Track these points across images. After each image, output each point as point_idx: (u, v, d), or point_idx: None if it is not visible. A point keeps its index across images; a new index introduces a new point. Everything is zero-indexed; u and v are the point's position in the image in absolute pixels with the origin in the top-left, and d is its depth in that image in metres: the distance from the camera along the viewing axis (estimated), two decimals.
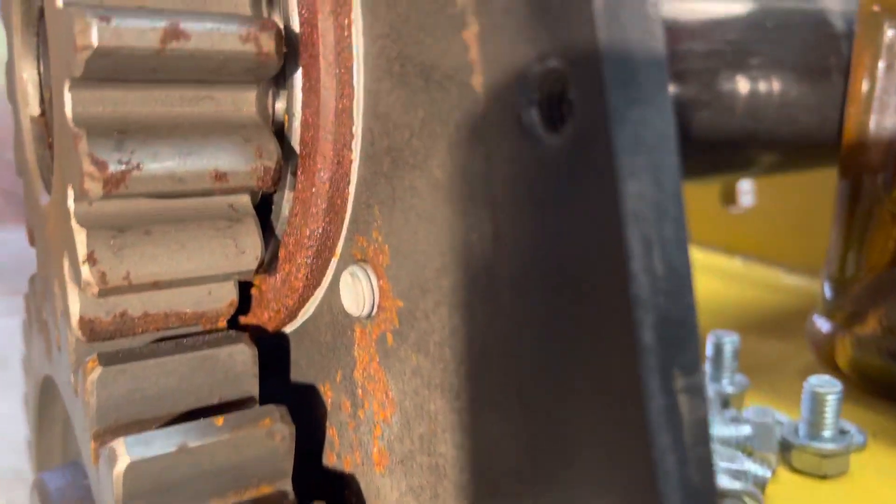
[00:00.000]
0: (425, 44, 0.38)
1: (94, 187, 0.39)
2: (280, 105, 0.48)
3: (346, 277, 0.45)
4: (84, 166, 0.39)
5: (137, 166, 0.40)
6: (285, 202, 0.48)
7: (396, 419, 0.44)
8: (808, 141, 0.88)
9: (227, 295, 0.51)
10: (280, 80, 0.47)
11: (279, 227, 0.50)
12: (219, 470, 0.45)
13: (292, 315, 0.52)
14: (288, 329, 0.54)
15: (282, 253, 0.49)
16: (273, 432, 0.46)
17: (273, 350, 0.55)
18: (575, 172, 0.31)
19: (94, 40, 0.37)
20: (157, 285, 0.45)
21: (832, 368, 0.84)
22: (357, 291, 0.44)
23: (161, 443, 0.43)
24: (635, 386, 0.29)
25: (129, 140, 0.40)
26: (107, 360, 0.46)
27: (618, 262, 0.29)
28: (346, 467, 0.49)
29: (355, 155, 0.44)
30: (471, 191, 0.36)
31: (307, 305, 0.51)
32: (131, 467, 0.42)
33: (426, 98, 0.38)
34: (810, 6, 0.89)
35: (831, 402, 0.67)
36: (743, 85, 0.82)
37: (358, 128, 0.44)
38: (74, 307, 0.47)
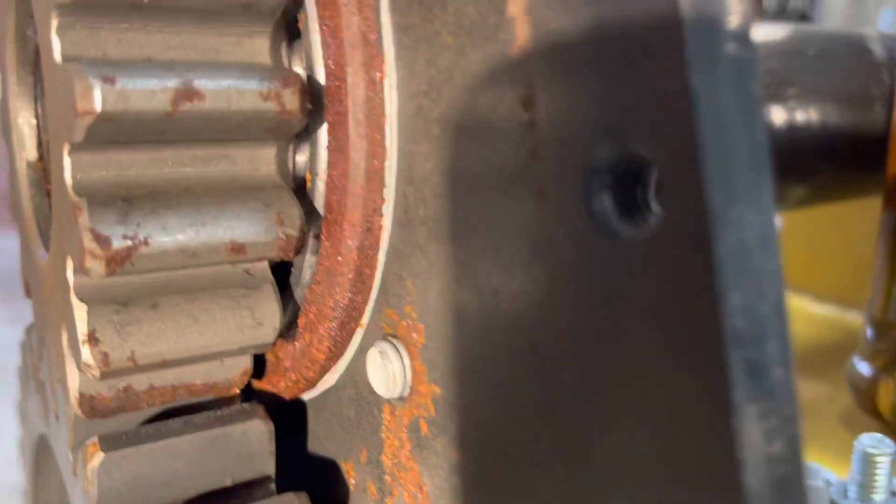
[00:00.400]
0: (472, 107, 0.33)
1: (95, 266, 0.34)
2: (301, 158, 0.44)
3: (374, 354, 0.41)
4: (85, 243, 0.34)
5: (145, 241, 0.35)
6: (307, 266, 0.44)
7: None
8: (847, 174, 0.84)
9: (241, 364, 0.47)
10: (302, 134, 0.43)
11: (299, 292, 0.45)
12: None
13: (311, 385, 0.47)
14: (306, 397, 0.49)
15: (301, 320, 0.44)
16: None
17: (288, 413, 0.51)
18: (658, 273, 0.26)
19: (98, 105, 0.32)
20: (164, 364, 0.40)
21: (873, 414, 0.80)
22: (387, 371, 0.40)
23: None
24: None
25: (135, 210, 0.36)
26: (109, 444, 0.41)
27: (716, 390, 0.25)
28: None
29: (386, 221, 0.40)
30: (530, 274, 0.32)
31: (328, 375, 0.46)
32: None
33: (471, 167, 0.34)
34: (851, 32, 0.84)
35: (884, 463, 0.62)
36: (781, 115, 0.78)
37: (390, 192, 0.39)
38: (73, 382, 0.42)
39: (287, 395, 0.49)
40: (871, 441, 0.64)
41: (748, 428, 0.25)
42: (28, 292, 0.56)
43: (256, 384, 0.50)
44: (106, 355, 0.38)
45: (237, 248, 0.37)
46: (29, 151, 0.54)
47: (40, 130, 0.54)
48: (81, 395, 0.42)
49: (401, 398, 0.40)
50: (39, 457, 0.69)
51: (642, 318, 0.27)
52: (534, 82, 0.30)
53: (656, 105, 0.25)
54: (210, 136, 0.37)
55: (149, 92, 0.33)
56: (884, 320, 0.80)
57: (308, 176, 0.42)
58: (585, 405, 0.30)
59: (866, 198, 0.86)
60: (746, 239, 0.25)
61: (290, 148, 0.43)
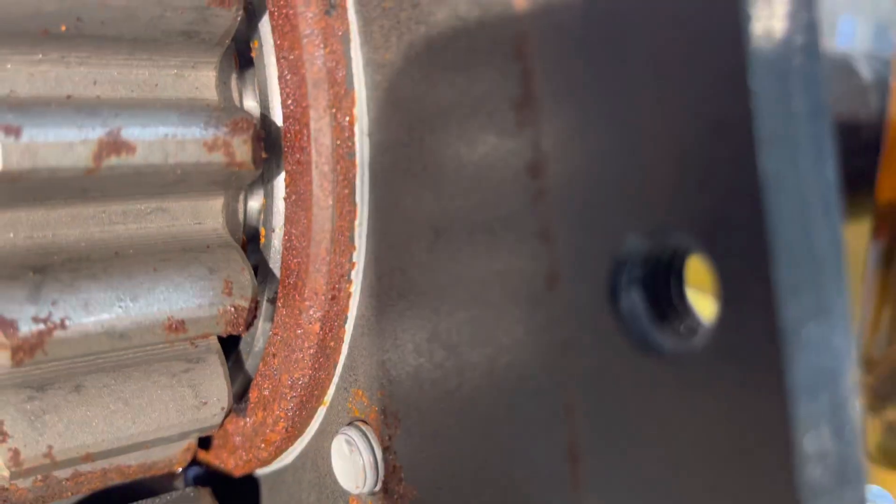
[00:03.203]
0: (465, 161, 0.28)
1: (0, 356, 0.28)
2: (254, 205, 0.37)
3: (339, 443, 0.35)
4: None
5: (61, 323, 0.29)
6: (259, 334, 0.38)
7: None
8: None
9: (182, 443, 0.40)
10: (256, 178, 0.37)
11: (249, 362, 0.39)
12: None
13: (266, 464, 0.41)
14: (259, 472, 0.43)
15: (254, 394, 0.38)
16: None
17: (237, 488, 0.45)
18: (705, 401, 0.21)
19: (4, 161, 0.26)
20: (89, 458, 0.34)
21: None
22: (356, 464, 0.34)
23: None
24: None
25: (49, 283, 0.29)
26: None
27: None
28: None
29: (355, 287, 0.34)
30: (532, 384, 0.26)
31: (285, 454, 0.40)
32: None
33: (464, 248, 0.28)
34: (834, 52, 0.81)
35: None
36: None
37: (360, 255, 0.33)
38: None
39: (237, 473, 0.42)
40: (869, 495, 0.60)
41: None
42: None
43: (203, 456, 0.44)
44: (16, 452, 0.31)
45: (176, 326, 0.31)
46: None
47: None
48: None
49: (371, 493, 0.35)
50: None
51: (678, 454, 0.22)
52: (543, 143, 0.25)
53: (714, 189, 0.20)
54: (143, 191, 0.31)
55: (65, 145, 0.27)
56: (869, 356, 0.76)
57: (262, 231, 0.36)
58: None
59: (851, 225, 0.83)
60: (826, 364, 0.20)
61: (241, 198, 0.37)
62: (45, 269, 0.30)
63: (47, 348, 0.28)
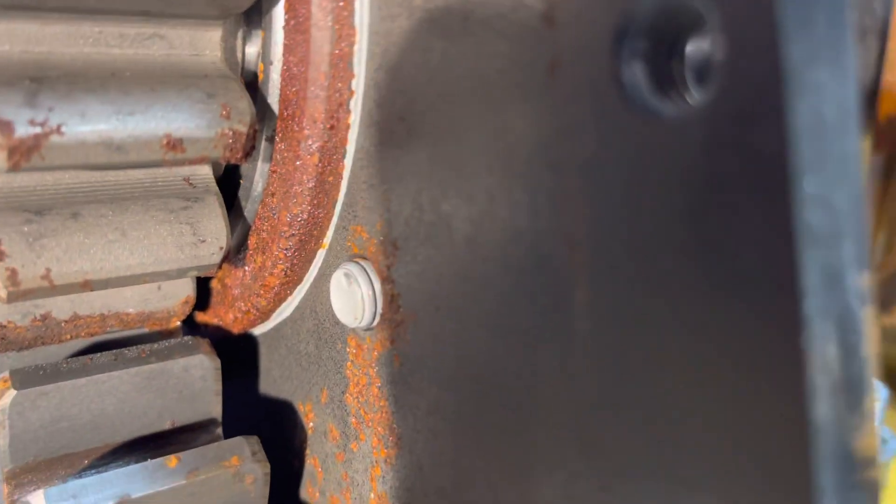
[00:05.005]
0: None
1: None
2: (252, 49, 0.37)
3: (338, 278, 0.35)
4: None
5: (57, 129, 0.29)
6: (258, 176, 0.38)
7: (403, 462, 0.34)
8: None
9: (182, 291, 0.41)
10: (253, 17, 0.36)
11: (249, 207, 0.39)
12: None
13: (264, 316, 0.41)
14: (257, 331, 0.43)
15: (252, 240, 0.38)
16: (242, 474, 0.36)
17: (236, 350, 0.45)
18: (710, 157, 0.21)
19: None
20: (87, 285, 0.34)
21: None
22: (354, 297, 0.34)
23: (95, 496, 0.33)
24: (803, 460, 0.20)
25: (46, 91, 0.29)
26: (23, 380, 0.35)
27: (786, 301, 0.19)
28: None
29: (354, 118, 0.33)
30: (534, 175, 0.26)
31: (284, 305, 0.40)
32: None
33: (467, 43, 0.28)
34: None
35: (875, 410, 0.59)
36: None
37: (359, 83, 0.33)
38: None
39: (235, 329, 0.43)
40: None
41: (819, 347, 0.20)
42: None
43: (200, 317, 0.44)
44: (14, 272, 0.31)
45: (173, 144, 0.31)
46: None
47: None
48: None
49: (369, 328, 0.35)
50: None
51: (682, 217, 0.22)
52: None
53: None
54: (139, 5, 0.31)
55: None
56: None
57: (261, 67, 0.36)
58: (604, 330, 0.24)
59: None
60: (825, 110, 0.20)
61: (240, 34, 0.36)
62: (41, 79, 0.29)
63: (44, 153, 0.28)
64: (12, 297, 0.32)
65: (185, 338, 0.40)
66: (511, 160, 0.27)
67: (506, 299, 0.28)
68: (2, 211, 0.32)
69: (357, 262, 0.34)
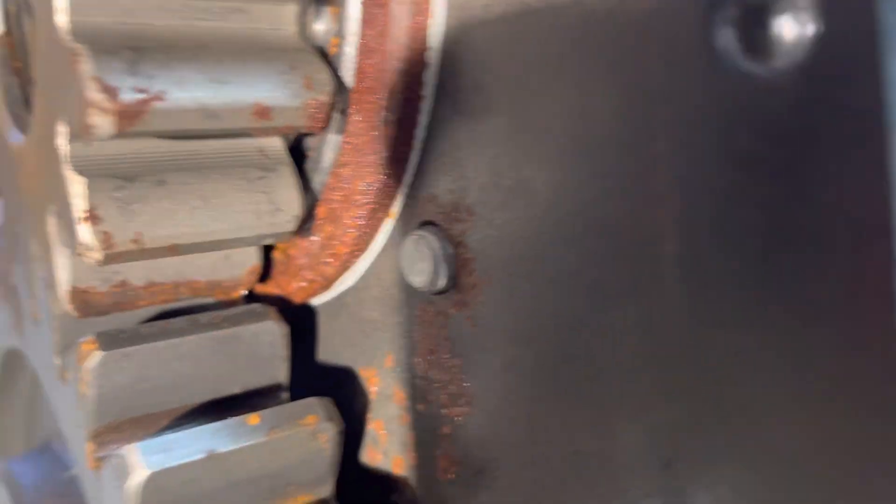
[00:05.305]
0: None
1: (103, 122, 0.29)
2: (320, 26, 0.38)
3: (410, 244, 0.36)
4: (88, 94, 0.29)
5: (159, 96, 0.30)
6: (328, 148, 0.39)
7: (476, 420, 0.36)
8: None
9: (248, 260, 0.42)
10: None
11: (317, 179, 0.40)
12: (251, 479, 0.36)
13: (327, 285, 0.43)
14: (317, 301, 0.45)
15: (321, 210, 0.40)
16: (318, 432, 0.37)
17: (293, 319, 0.46)
18: (800, 117, 0.23)
19: None
20: (174, 250, 0.35)
21: None
22: (426, 262, 0.36)
23: (184, 449, 0.34)
24: None
25: (145, 60, 0.30)
26: (108, 342, 0.37)
27: (878, 250, 0.21)
28: (397, 469, 0.41)
29: (428, 90, 0.35)
30: (620, 138, 0.27)
31: (347, 274, 0.42)
32: (151, 480, 0.33)
33: (548, 13, 0.29)
34: None
35: None
36: None
37: (435, 55, 0.34)
38: (64, 274, 0.37)
39: (297, 299, 0.44)
40: None
41: None
42: None
43: (260, 288, 0.45)
44: (107, 235, 0.33)
45: (262, 112, 0.32)
46: None
47: (6, 1, 0.47)
48: (73, 289, 0.37)
49: (441, 292, 0.36)
50: (5, 378, 0.63)
51: (773, 173, 0.23)
52: None
53: None
54: None
55: None
56: None
57: (334, 41, 0.37)
58: (692, 281, 0.26)
59: None
60: None
61: (311, 10, 0.38)
62: (139, 49, 0.31)
63: (147, 118, 0.30)
64: (107, 260, 0.33)
65: (254, 304, 0.42)
66: (595, 126, 0.28)
67: (589, 258, 0.29)
68: (94, 178, 0.33)
69: (430, 229, 0.36)
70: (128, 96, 0.29)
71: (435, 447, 0.38)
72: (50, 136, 0.34)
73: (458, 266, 0.35)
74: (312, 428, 0.37)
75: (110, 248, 0.33)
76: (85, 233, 0.32)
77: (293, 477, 0.37)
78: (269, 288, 0.45)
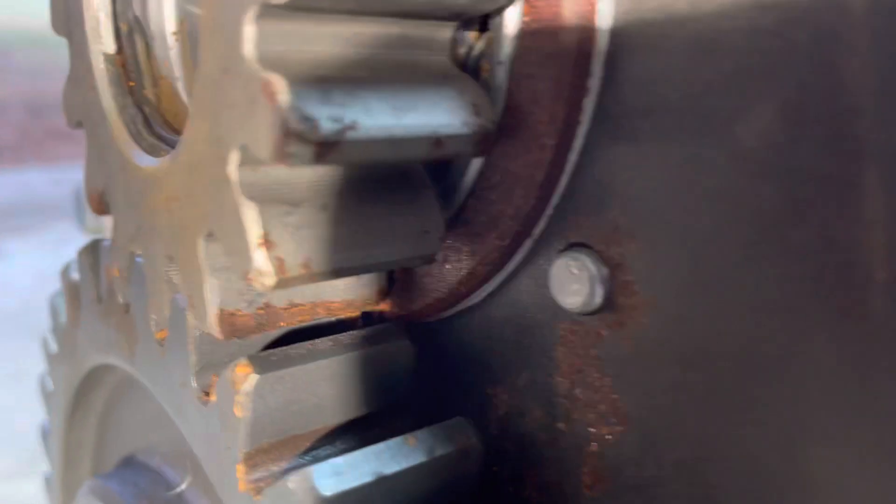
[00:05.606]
0: None
1: (303, 153, 0.29)
2: (462, 50, 0.39)
3: (562, 265, 0.37)
4: (289, 125, 0.29)
5: (353, 125, 0.30)
6: (470, 168, 0.39)
7: (631, 438, 0.36)
8: None
9: (379, 279, 0.42)
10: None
11: (455, 199, 0.41)
12: (412, 499, 0.36)
13: (455, 304, 0.43)
14: (441, 315, 0.45)
15: (460, 231, 0.40)
16: (468, 451, 0.38)
17: (414, 337, 0.46)
18: None
19: None
20: (337, 274, 0.35)
21: None
22: (581, 283, 0.36)
23: (355, 472, 0.34)
24: None
25: (335, 89, 0.31)
26: (263, 365, 0.37)
27: None
28: (531, 487, 0.41)
29: (586, 115, 0.36)
30: (824, 166, 0.28)
31: (478, 292, 0.42)
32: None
33: (740, 39, 0.30)
34: None
35: None
36: None
37: (595, 80, 0.35)
38: (213, 298, 0.37)
39: (421, 317, 0.44)
40: None
41: None
42: (100, 207, 0.50)
43: (384, 304, 0.46)
44: (281, 261, 0.33)
45: (438, 142, 0.33)
46: (106, 43, 0.47)
47: (117, 18, 0.47)
48: (222, 312, 0.37)
49: (593, 313, 0.37)
50: (82, 393, 0.63)
51: None
52: None
53: None
54: (402, 7, 0.32)
55: None
56: None
57: (483, 65, 0.38)
58: None
59: None
60: None
61: (458, 35, 0.38)
62: (325, 78, 0.31)
63: (343, 148, 0.30)
64: (279, 285, 0.33)
65: (386, 324, 0.42)
66: (797, 153, 0.29)
67: (783, 282, 0.30)
68: (265, 203, 0.33)
69: (582, 250, 0.36)
70: (327, 126, 0.29)
71: (580, 464, 0.39)
72: (208, 162, 0.35)
73: (615, 287, 0.36)
74: (463, 448, 0.38)
75: (283, 274, 0.33)
76: (261, 259, 0.33)
77: (444, 498, 0.38)
78: (390, 305, 0.45)
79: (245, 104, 0.31)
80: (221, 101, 0.33)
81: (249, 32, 0.30)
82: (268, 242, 0.33)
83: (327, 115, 0.30)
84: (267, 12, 0.30)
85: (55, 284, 0.64)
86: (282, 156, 0.30)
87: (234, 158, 0.33)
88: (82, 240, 1.04)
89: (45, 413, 0.74)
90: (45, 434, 0.74)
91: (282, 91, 0.29)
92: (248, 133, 0.31)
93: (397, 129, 0.31)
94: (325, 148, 0.29)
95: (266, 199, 0.33)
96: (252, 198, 0.33)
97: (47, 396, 0.70)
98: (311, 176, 0.34)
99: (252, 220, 0.33)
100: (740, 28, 0.30)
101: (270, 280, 0.33)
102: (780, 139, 0.29)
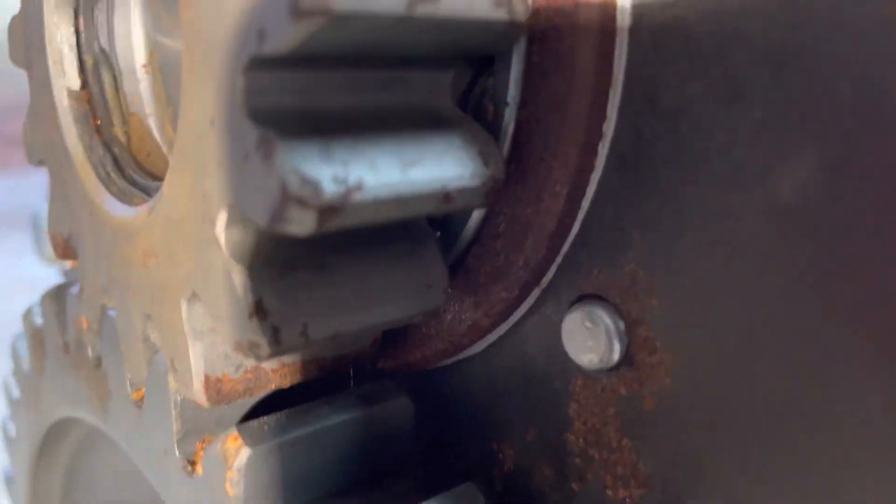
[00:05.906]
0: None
1: (303, 218, 0.26)
2: (459, 88, 0.36)
3: (575, 319, 0.35)
4: (289, 188, 0.26)
5: (358, 186, 0.27)
6: (471, 215, 0.37)
7: (654, 499, 0.34)
8: None
9: (374, 334, 0.40)
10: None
11: (456, 247, 0.38)
12: None
13: (454, 354, 0.40)
14: (442, 363, 0.43)
15: (464, 278, 0.38)
16: None
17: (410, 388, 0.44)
18: None
19: (333, 2, 0.24)
20: (337, 339, 0.33)
21: None
22: (597, 338, 0.34)
23: None
24: None
25: (335, 144, 0.28)
26: (254, 437, 0.34)
27: None
28: None
29: (600, 161, 0.33)
30: (867, 222, 0.26)
31: (480, 342, 0.40)
32: None
33: (767, 81, 0.28)
34: None
35: None
36: None
37: (610, 124, 0.33)
38: (197, 363, 0.34)
39: (418, 367, 0.42)
40: None
41: None
42: (64, 251, 0.46)
43: (384, 356, 0.43)
44: (277, 330, 0.30)
45: (448, 197, 0.30)
46: (70, 78, 0.43)
47: (82, 51, 0.44)
48: (208, 379, 0.34)
49: (610, 370, 0.34)
50: (48, 442, 0.59)
51: None
52: None
53: None
54: (413, 51, 0.30)
55: None
56: None
57: (489, 107, 0.35)
58: None
59: None
60: None
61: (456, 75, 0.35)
62: (324, 131, 0.28)
63: (347, 212, 0.27)
64: (275, 355, 0.30)
65: (384, 381, 0.39)
66: (842, 207, 0.27)
67: (826, 336, 0.28)
68: (256, 266, 0.30)
69: (597, 303, 0.34)
70: (330, 189, 0.26)
71: None
72: (191, 219, 0.32)
73: (634, 343, 0.33)
74: None
75: (279, 346, 0.30)
76: (254, 329, 0.30)
77: None
78: (387, 357, 0.42)
79: (236, 161, 0.28)
80: (207, 155, 0.30)
81: (241, 83, 0.27)
82: (261, 311, 0.30)
83: (330, 176, 0.27)
84: (261, 63, 0.27)
85: (9, 300, 0.60)
86: (280, 222, 0.27)
87: (222, 218, 0.30)
88: (38, 261, 0.98)
89: (6, 458, 0.69)
90: (9, 481, 0.70)
91: (279, 149, 0.26)
92: (240, 194, 0.28)
93: (405, 185, 0.29)
94: (329, 213, 0.27)
95: (257, 261, 0.30)
96: (241, 260, 0.30)
97: (10, 442, 0.66)
98: (355, 223, 0.31)
99: (243, 286, 0.30)
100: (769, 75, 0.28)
101: (265, 352, 0.30)
102: (820, 193, 0.27)
